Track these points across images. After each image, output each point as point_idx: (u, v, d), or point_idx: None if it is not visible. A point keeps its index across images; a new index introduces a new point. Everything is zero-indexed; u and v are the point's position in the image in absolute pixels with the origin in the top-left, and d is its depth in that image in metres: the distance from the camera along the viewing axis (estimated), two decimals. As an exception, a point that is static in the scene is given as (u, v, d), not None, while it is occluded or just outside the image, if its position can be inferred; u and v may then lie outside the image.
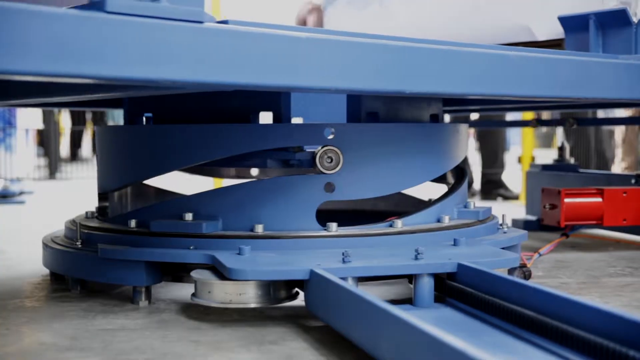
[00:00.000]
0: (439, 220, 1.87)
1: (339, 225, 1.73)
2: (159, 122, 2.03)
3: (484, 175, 5.04)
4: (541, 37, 2.40)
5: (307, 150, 1.77)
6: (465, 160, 2.13)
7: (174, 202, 1.84)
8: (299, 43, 1.27)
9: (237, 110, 1.88)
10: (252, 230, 1.71)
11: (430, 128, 1.95)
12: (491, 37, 2.50)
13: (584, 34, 2.08)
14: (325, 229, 1.72)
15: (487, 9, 2.58)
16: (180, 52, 1.13)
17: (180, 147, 1.80)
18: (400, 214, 1.86)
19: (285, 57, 1.25)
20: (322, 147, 1.72)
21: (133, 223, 1.80)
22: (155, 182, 2.13)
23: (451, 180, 2.17)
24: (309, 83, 1.28)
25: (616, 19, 2.02)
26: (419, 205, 2.26)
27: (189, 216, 1.74)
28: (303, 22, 5.96)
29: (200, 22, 1.16)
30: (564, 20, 2.14)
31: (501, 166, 5.07)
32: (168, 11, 1.14)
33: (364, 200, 2.37)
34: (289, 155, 1.78)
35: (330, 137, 1.74)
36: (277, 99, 1.86)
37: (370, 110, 1.99)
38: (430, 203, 1.99)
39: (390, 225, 1.77)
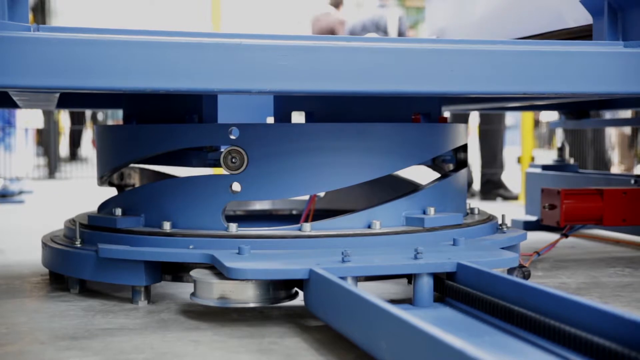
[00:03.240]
0: (369, 226, 1.76)
1: (240, 226, 1.71)
2: (141, 122, 2.06)
3: (483, 175, 5.03)
4: (572, 23, 2.17)
5: (222, 150, 1.77)
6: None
7: (116, 198, 1.93)
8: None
9: (179, 112, 1.93)
10: (160, 227, 1.73)
11: (348, 128, 1.80)
12: (523, 26, 2.34)
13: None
14: (226, 229, 1.70)
15: None
16: None
17: (118, 146, 1.94)
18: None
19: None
20: (227, 148, 1.72)
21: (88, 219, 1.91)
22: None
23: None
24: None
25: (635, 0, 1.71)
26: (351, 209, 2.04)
27: (118, 211, 1.81)
28: (330, 31, 6.49)
29: None
30: (587, 3, 1.85)
31: (500, 166, 5.07)
32: None
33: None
34: (204, 155, 1.81)
35: (233, 137, 1.72)
36: (200, 102, 1.89)
37: (309, 111, 1.94)
38: (364, 207, 1.82)
39: (299, 229, 1.71)
